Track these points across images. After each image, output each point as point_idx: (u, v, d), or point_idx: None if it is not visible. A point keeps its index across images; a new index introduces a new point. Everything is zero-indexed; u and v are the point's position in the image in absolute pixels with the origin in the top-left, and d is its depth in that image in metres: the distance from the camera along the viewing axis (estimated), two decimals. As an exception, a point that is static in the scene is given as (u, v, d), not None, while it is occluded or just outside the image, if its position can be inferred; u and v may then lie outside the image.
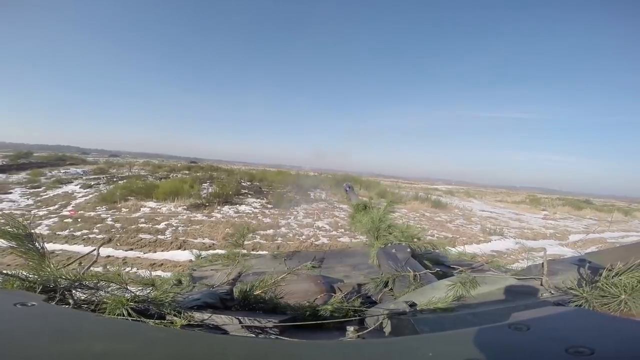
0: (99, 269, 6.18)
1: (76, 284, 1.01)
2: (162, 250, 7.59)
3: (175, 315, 1.04)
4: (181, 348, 0.47)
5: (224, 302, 1.41)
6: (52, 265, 1.05)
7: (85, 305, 1.00)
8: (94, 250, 1.43)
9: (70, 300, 0.98)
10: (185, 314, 1.08)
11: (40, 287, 0.93)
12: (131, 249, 7.52)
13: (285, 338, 1.08)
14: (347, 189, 4.28)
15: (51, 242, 7.55)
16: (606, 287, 1.05)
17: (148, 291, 1.13)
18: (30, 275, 0.97)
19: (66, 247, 7.26)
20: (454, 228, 13.25)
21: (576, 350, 0.42)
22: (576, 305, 1.06)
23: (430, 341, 0.53)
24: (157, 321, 0.98)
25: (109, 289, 1.07)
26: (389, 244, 2.32)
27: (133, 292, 1.08)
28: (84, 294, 1.05)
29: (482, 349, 0.45)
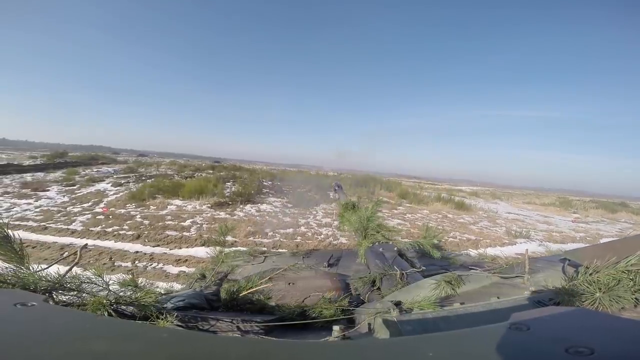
0: (127, 264, 6.46)
1: (57, 285, 0.99)
2: (187, 247, 7.82)
3: (158, 316, 1.04)
4: (183, 348, 0.47)
5: (210, 303, 1.42)
6: (31, 267, 1.02)
7: (67, 308, 0.96)
8: (77, 251, 1.40)
9: (51, 302, 0.94)
10: (170, 315, 1.07)
11: (19, 289, 0.90)
12: (158, 245, 7.80)
13: (272, 338, 1.10)
14: (337, 188, 4.27)
15: (85, 237, 7.97)
16: (583, 285, 1.06)
17: (131, 292, 1.12)
18: (9, 278, 0.93)
19: (98, 242, 7.62)
20: (477, 230, 12.87)
21: (576, 350, 0.42)
22: (555, 303, 1.06)
23: (431, 341, 0.54)
24: (139, 322, 0.97)
25: (92, 290, 1.06)
26: (377, 243, 2.34)
27: (116, 293, 1.07)
28: (66, 295, 1.03)
29: (482, 349, 0.46)
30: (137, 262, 6.64)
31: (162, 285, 4.82)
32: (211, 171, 25.74)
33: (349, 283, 1.95)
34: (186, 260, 6.88)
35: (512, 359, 0.43)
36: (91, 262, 6.33)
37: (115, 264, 6.41)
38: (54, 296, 0.99)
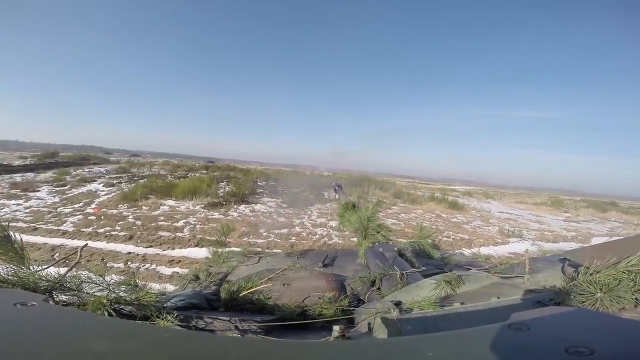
0: (119, 265, 6.39)
1: (57, 285, 0.99)
2: (180, 248, 7.76)
3: (157, 316, 1.04)
4: (183, 348, 0.47)
5: (210, 303, 1.41)
6: (31, 267, 1.02)
7: (67, 307, 0.96)
8: (77, 251, 1.40)
9: (51, 302, 0.94)
10: (170, 315, 1.07)
11: (19, 289, 0.90)
12: (151, 246, 7.73)
13: (272, 338, 1.09)
14: (337, 188, 4.30)
15: (76, 238, 7.86)
16: (584, 285, 1.06)
17: (131, 292, 1.12)
18: (9, 277, 0.93)
19: (90, 243, 7.51)
20: (470, 229, 12.97)
21: (576, 350, 0.42)
22: (555, 303, 1.06)
23: (431, 341, 0.53)
24: (139, 322, 0.97)
25: (92, 290, 1.05)
26: (377, 243, 2.33)
27: (116, 293, 1.06)
28: (66, 295, 1.03)
29: (482, 349, 0.45)
30: (129, 263, 6.58)
31: (154, 287, 4.77)
32: (205, 171, 25.59)
33: (344, 283, 1.94)
34: (179, 261, 6.83)
35: (512, 359, 0.43)
36: (83, 263, 6.24)
37: (107, 265, 6.33)
38: (55, 296, 0.99)
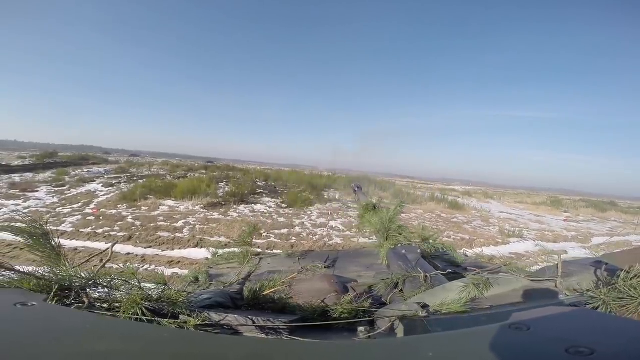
0: (119, 266, 6.40)
1: (90, 282, 1.01)
2: (180, 248, 7.75)
3: (188, 314, 1.05)
4: (185, 349, 0.47)
5: (234, 302, 1.43)
6: (67, 264, 1.05)
7: (99, 304, 1.00)
8: (108, 248, 1.43)
9: (85, 300, 0.97)
10: (198, 313, 1.09)
11: (57, 286, 0.92)
12: (150, 247, 7.71)
13: (296, 338, 1.08)
14: (356, 189, 4.29)
15: (74, 239, 7.83)
16: (624, 289, 1.01)
17: (161, 290, 1.14)
18: (46, 274, 0.95)
19: (88, 244, 7.50)
20: (471, 230, 12.98)
21: (576, 351, 0.42)
22: (593, 308, 1.02)
23: (431, 341, 0.53)
24: (170, 320, 0.99)
25: (123, 287, 1.07)
26: (399, 245, 2.29)
27: (146, 291, 1.08)
28: (99, 292, 1.05)
29: (482, 349, 0.45)
30: (128, 263, 6.56)
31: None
32: (204, 171, 25.56)
33: (347, 285, 1.93)
34: (179, 262, 6.81)
35: (512, 359, 0.43)
36: (74, 267, 6.22)
37: (106, 265, 6.31)
38: (88, 293, 1.01)
